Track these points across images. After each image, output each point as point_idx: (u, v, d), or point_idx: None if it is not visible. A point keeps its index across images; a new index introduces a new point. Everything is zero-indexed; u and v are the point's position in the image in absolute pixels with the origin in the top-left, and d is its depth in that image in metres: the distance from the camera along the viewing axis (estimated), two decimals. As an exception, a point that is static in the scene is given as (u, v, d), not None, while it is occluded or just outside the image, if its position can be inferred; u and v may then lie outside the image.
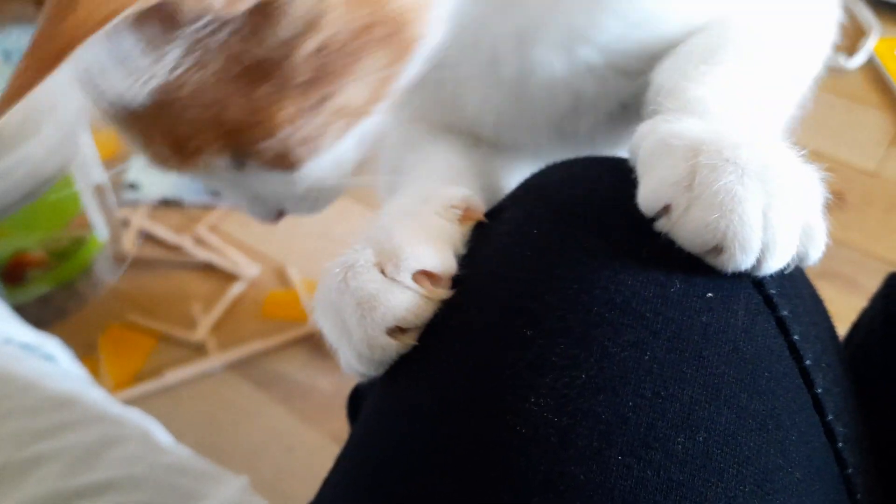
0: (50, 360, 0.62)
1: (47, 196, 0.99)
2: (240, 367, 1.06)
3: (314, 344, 1.08)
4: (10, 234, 0.98)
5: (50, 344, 0.65)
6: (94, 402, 0.55)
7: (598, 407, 0.24)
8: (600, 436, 0.24)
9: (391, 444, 0.33)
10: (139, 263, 1.19)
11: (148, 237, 1.22)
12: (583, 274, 0.27)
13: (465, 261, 0.36)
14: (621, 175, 0.33)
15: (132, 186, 1.28)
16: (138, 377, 1.05)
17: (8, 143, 0.93)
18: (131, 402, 1.00)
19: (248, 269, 1.17)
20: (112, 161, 1.27)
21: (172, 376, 1.03)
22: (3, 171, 0.92)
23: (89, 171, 1.08)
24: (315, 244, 1.22)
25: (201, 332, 1.09)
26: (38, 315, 1.09)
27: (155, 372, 1.05)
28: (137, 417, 0.59)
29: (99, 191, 1.10)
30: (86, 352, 1.07)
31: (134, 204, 1.26)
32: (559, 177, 0.36)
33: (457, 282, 0.35)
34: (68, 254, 1.06)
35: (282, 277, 1.17)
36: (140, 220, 1.23)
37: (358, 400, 0.40)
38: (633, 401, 0.24)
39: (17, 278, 1.02)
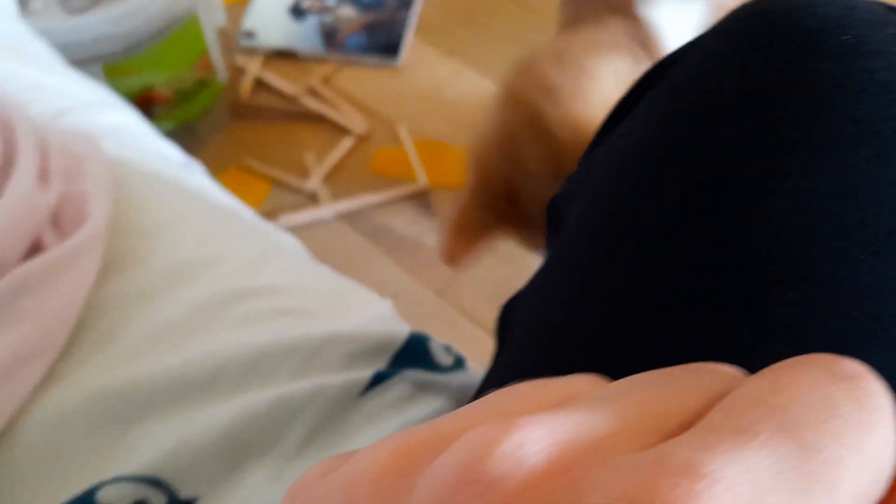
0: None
1: (175, 35, 1.01)
2: (349, 217, 1.09)
3: (422, 201, 1.11)
4: (139, 70, 1.01)
5: (197, 166, 0.68)
6: (252, 218, 0.58)
7: (840, 210, 0.25)
8: (843, 236, 0.25)
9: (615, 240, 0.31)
10: (254, 111, 1.22)
11: (263, 85, 1.25)
12: (825, 91, 0.26)
13: None
14: None
15: (249, 35, 1.29)
16: (254, 219, 1.09)
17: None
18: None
19: (359, 124, 1.19)
20: (233, 6, 1.28)
21: (286, 220, 1.08)
22: (135, 7, 0.94)
23: (214, 14, 1.09)
24: (425, 106, 1.22)
25: (314, 181, 1.12)
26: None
27: (269, 215, 1.09)
28: (289, 239, 0.62)
29: (222, 34, 1.12)
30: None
31: (250, 52, 1.28)
32: None
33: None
34: (191, 95, 1.10)
35: (392, 135, 1.19)
36: (256, 68, 1.25)
37: (507, 317, 0.39)
38: (874, 208, 0.25)
39: (146, 114, 1.06)
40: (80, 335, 0.41)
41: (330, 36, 1.29)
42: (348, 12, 1.32)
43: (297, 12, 1.33)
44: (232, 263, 0.47)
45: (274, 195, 1.13)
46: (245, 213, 0.59)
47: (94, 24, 0.93)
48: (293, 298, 0.46)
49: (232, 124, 1.20)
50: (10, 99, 0.47)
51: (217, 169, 1.14)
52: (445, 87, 1.25)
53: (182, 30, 1.02)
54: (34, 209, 0.42)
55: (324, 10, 1.33)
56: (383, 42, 1.28)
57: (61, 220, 0.44)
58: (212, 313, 0.44)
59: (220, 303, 0.44)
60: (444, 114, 1.21)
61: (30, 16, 0.93)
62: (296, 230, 1.09)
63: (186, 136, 1.15)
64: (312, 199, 1.12)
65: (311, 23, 1.31)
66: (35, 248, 0.42)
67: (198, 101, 1.12)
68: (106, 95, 0.65)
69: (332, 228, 1.10)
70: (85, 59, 0.96)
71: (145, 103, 1.05)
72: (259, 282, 0.46)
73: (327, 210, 1.09)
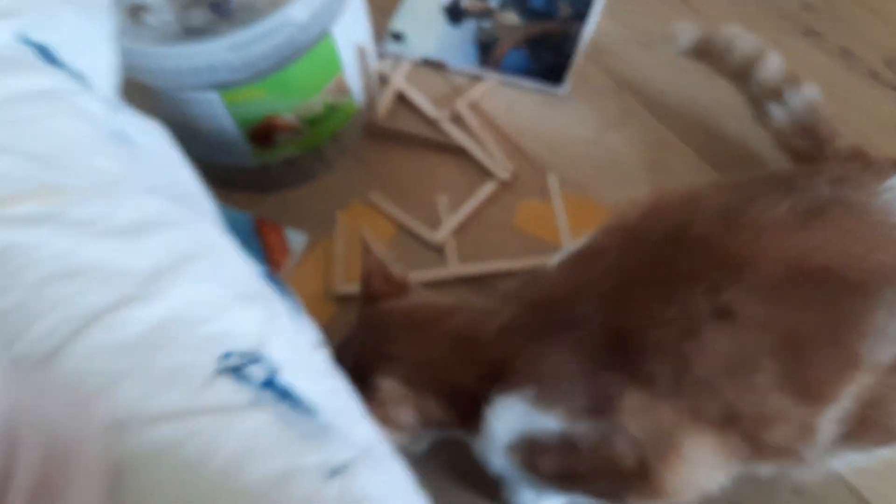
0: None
1: (305, 60, 0.88)
2: (477, 282, 0.95)
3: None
4: (264, 97, 0.89)
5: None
6: None
7: None
8: None
9: None
10: (390, 134, 1.08)
11: (402, 101, 1.10)
12: None
13: None
14: None
15: (396, 37, 1.14)
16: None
17: (271, 3, 0.81)
18: (347, 298, 0.93)
19: (504, 167, 1.02)
20: (378, 5, 1.13)
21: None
22: (265, 32, 0.81)
23: (354, 30, 0.95)
24: (584, 150, 1.04)
25: (443, 233, 0.98)
26: (282, 176, 1.03)
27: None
28: None
29: (360, 52, 0.98)
30: (325, 228, 1.00)
31: (396, 57, 1.13)
32: None
33: None
34: (320, 121, 0.97)
35: (540, 183, 1.01)
36: (399, 79, 1.10)
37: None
38: None
39: (267, 141, 0.95)
40: None
41: (486, 48, 1.11)
42: (512, 19, 1.14)
43: (455, 13, 1.15)
44: None
45: (396, 240, 0.99)
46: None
47: (212, 52, 0.81)
48: None
49: (364, 145, 1.07)
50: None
51: (341, 201, 1.02)
52: (612, 130, 1.05)
53: (314, 51, 0.88)
54: None
55: (485, 13, 1.15)
56: (548, 62, 1.09)
57: None
58: None
59: None
60: (606, 163, 1.02)
61: (143, 29, 0.82)
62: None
63: (312, 160, 1.03)
64: (437, 251, 0.98)
65: (468, 28, 1.14)
66: None
67: (326, 126, 0.99)
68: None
69: (454, 291, 0.96)
70: (199, 85, 0.85)
71: (267, 131, 0.93)
72: None
73: (451, 270, 0.95)
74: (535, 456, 0.63)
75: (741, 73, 0.85)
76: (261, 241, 0.98)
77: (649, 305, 0.58)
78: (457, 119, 1.08)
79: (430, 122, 1.08)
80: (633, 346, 0.58)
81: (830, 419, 0.56)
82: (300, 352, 0.54)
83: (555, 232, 0.97)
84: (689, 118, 1.04)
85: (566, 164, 1.03)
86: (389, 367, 0.66)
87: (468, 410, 0.65)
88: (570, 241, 0.95)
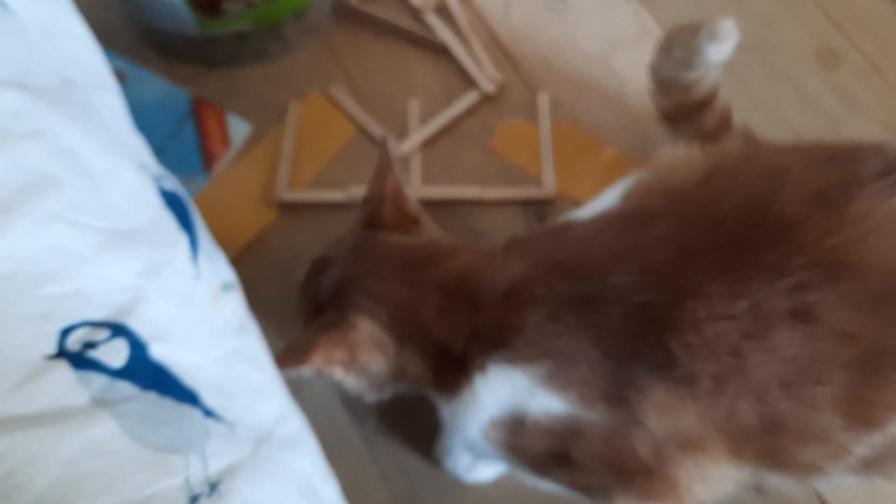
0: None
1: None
2: (439, 207, 0.82)
3: (538, 209, 0.82)
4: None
5: None
6: None
7: None
8: None
9: None
10: (364, 18, 0.92)
11: (386, -19, 0.94)
12: None
13: None
14: None
15: None
16: (318, 177, 0.84)
17: None
18: (290, 206, 0.81)
19: (489, 77, 0.88)
20: None
21: (355, 191, 0.81)
22: None
23: None
24: (586, 72, 0.90)
25: (409, 144, 0.85)
26: (232, 52, 0.88)
27: (331, 178, 0.84)
28: None
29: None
30: (274, 118, 0.87)
31: (382, -72, 0.96)
32: None
33: None
34: (279, -9, 0.82)
35: (529, 102, 0.88)
36: (383, -46, 0.94)
37: None
38: None
39: (212, 8, 0.79)
40: None
41: (491, -69, 0.95)
42: None
43: None
44: None
45: (354, 144, 0.86)
46: None
47: None
48: None
49: (332, 30, 0.92)
50: None
51: (297, 90, 0.88)
52: (621, 50, 0.91)
53: None
54: None
55: None
56: (558, -42, 0.94)
57: None
58: None
59: None
60: (608, 89, 0.89)
61: None
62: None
63: (269, 38, 0.88)
64: (401, 164, 0.85)
65: None
66: None
67: (287, 0, 0.83)
68: None
69: (413, 214, 0.83)
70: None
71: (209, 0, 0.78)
72: None
73: (410, 193, 0.83)
74: (520, 434, 0.54)
75: None
76: (196, 126, 0.84)
77: (712, 294, 0.49)
78: (443, 11, 0.92)
79: (413, 12, 0.93)
80: (679, 338, 0.48)
81: (868, 444, 0.49)
82: (193, 307, 0.42)
83: (536, 161, 0.84)
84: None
85: (561, 84, 0.89)
86: (372, 308, 0.57)
87: (449, 371, 0.56)
88: (552, 179, 0.83)
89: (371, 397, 0.62)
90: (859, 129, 0.85)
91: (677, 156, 0.58)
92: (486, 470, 0.71)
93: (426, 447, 0.73)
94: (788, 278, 0.48)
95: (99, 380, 0.35)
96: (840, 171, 0.52)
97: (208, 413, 0.40)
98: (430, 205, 0.81)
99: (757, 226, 0.50)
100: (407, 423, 0.74)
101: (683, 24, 0.67)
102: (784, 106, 0.87)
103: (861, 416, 0.50)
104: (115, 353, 0.36)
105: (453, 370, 0.56)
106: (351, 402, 0.74)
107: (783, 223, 0.50)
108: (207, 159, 0.83)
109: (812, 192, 0.51)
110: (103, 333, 0.36)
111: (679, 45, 0.67)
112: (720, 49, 0.64)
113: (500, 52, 0.91)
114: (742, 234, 0.50)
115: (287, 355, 0.54)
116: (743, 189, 0.53)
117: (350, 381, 0.59)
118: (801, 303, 0.48)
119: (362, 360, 0.57)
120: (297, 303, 0.63)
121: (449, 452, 0.72)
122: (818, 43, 0.91)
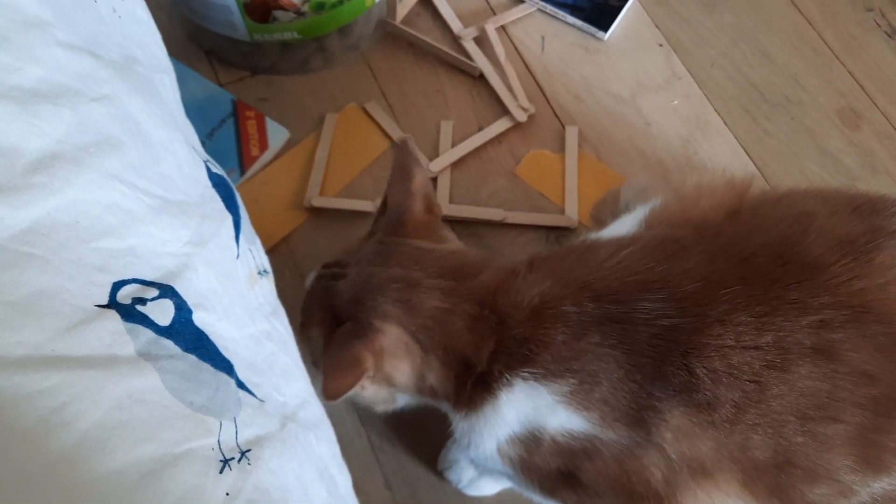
0: None
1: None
2: (462, 226, 0.85)
3: (560, 236, 0.84)
4: (269, -38, 0.76)
5: None
6: None
7: None
8: None
9: None
10: (405, 41, 0.96)
11: (428, 6, 0.98)
12: None
13: None
14: None
15: (437, -66, 1.00)
16: (347, 187, 0.87)
17: None
18: (319, 211, 0.84)
19: (521, 107, 0.91)
20: None
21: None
22: None
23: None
24: (613, 109, 0.92)
25: (438, 163, 0.87)
26: (276, 60, 0.91)
27: (361, 189, 0.86)
28: None
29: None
30: (311, 127, 0.89)
31: (430, -43, 1.00)
32: None
33: None
34: (328, 7, 0.85)
35: (558, 134, 0.91)
36: (428, -18, 0.98)
37: None
38: None
39: (264, 15, 0.83)
40: None
41: (534, -31, 0.99)
42: (569, -57, 1.01)
43: (507, -78, 1.02)
44: None
45: (386, 158, 0.89)
46: None
47: None
48: None
49: (373, 47, 0.95)
50: None
51: (335, 102, 0.91)
52: (650, 93, 0.94)
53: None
54: None
55: (541, -71, 1.01)
56: (599, 1, 0.97)
57: None
58: None
59: None
60: (634, 129, 0.91)
61: None
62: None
63: (312, 49, 0.91)
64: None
65: (519, -58, 1.00)
66: None
67: (335, 15, 0.87)
68: None
69: (436, 231, 0.86)
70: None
71: (265, 5, 0.81)
72: None
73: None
74: (535, 452, 0.55)
75: None
76: (237, 127, 0.87)
77: (739, 322, 0.50)
78: (482, 41, 0.96)
79: (453, 38, 0.96)
80: (704, 362, 0.49)
81: (873, 489, 0.50)
82: (233, 284, 0.44)
83: (558, 190, 0.87)
84: (738, 100, 0.93)
85: (589, 119, 0.92)
86: (401, 315, 0.56)
87: (471, 385, 0.56)
88: (575, 208, 0.85)
89: (382, 408, 0.62)
90: (878, 187, 0.88)
91: (701, 185, 0.60)
92: (488, 485, 0.72)
93: (430, 457, 0.74)
94: (813, 315, 0.49)
95: (146, 334, 0.36)
96: (867, 222, 0.54)
97: (241, 385, 0.41)
98: (453, 223, 0.84)
99: (785, 264, 0.52)
100: (412, 432, 0.75)
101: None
102: (804, 159, 0.90)
103: (871, 459, 0.50)
104: (163, 312, 0.38)
105: (475, 384, 0.56)
106: (358, 408, 0.75)
107: (810, 264, 0.51)
108: (244, 160, 0.86)
109: (839, 238, 0.52)
110: (152, 292, 0.38)
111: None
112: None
113: (534, 83, 0.94)
114: (770, 271, 0.52)
115: (333, 378, 0.53)
116: (771, 228, 0.55)
117: (368, 391, 0.58)
118: (824, 339, 0.49)
119: (388, 369, 0.57)
120: (305, 307, 0.63)
121: (453, 465, 0.72)
122: (843, 102, 0.93)
